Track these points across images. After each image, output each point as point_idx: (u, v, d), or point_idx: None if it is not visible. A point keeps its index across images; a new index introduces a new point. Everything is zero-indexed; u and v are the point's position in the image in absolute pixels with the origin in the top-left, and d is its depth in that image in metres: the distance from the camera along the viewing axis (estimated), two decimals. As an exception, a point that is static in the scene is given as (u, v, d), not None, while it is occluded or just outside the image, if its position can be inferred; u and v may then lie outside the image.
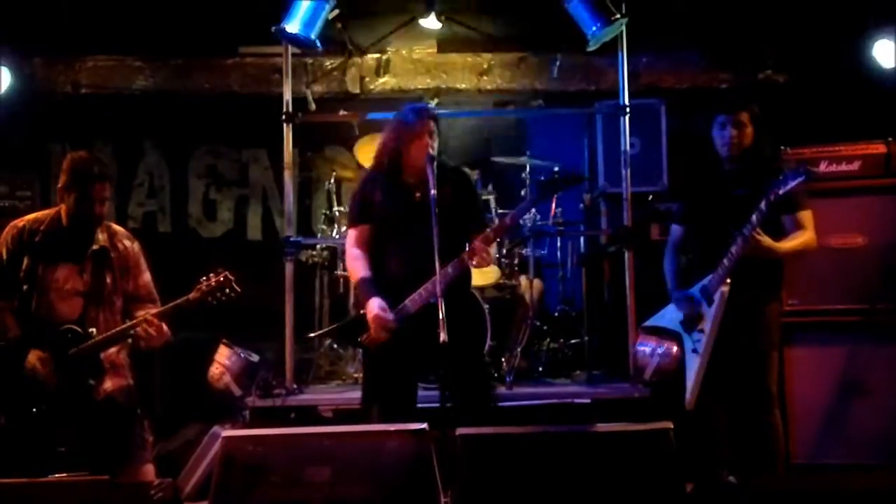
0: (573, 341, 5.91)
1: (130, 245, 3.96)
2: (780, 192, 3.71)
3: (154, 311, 3.76)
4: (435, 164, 3.68)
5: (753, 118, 4.09)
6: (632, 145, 5.42)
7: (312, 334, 5.49)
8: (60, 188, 3.80)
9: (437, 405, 3.36)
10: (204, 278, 3.73)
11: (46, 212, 3.91)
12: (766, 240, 3.83)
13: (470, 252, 3.63)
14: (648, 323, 4.50)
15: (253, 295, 5.98)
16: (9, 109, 6.02)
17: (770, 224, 3.90)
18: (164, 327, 3.71)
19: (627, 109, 5.30)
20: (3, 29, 5.85)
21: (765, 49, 6.46)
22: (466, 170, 4.48)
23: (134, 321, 3.71)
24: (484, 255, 3.65)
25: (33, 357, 3.66)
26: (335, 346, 5.78)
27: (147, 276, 3.97)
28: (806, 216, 4.05)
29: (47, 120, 6.70)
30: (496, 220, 5.29)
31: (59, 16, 5.99)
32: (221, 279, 3.71)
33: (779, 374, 4.29)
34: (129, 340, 3.78)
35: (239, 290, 3.75)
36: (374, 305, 3.66)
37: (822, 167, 4.99)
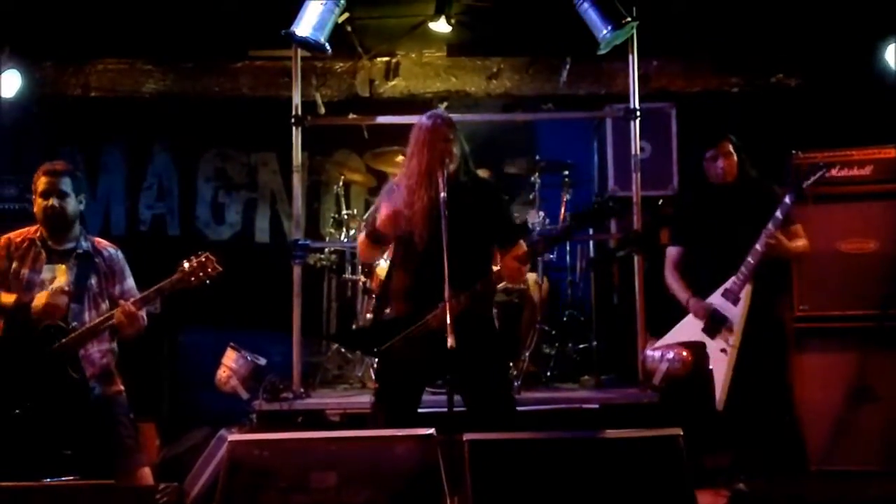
0: (582, 346, 5.88)
1: (115, 252, 4.10)
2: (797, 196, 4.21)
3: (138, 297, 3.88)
4: (446, 168, 3.66)
5: (735, 145, 4.48)
6: (642, 149, 5.38)
7: (328, 338, 5.49)
8: (32, 197, 3.99)
9: (444, 410, 3.33)
10: (185, 260, 3.84)
11: (32, 227, 4.04)
12: (784, 241, 4.28)
13: (498, 273, 3.72)
14: (667, 341, 4.54)
15: (260, 298, 6.10)
16: (19, 112, 6.05)
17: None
18: (140, 315, 3.83)
19: (638, 113, 5.27)
20: (13, 33, 5.87)
21: (776, 53, 6.42)
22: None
23: (113, 311, 3.81)
24: (516, 274, 3.74)
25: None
26: (343, 349, 5.77)
27: (132, 282, 4.09)
28: (797, 228, 4.44)
29: (58, 123, 6.73)
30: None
31: (70, 20, 6.00)
32: (203, 259, 3.84)
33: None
34: (110, 334, 3.92)
35: (220, 268, 3.86)
36: None
37: (834, 172, 4.97)
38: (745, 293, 4.25)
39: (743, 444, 4.40)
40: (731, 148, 4.45)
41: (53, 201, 3.91)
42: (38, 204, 3.94)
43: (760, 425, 4.33)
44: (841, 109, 5.91)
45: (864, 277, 4.91)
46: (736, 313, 4.26)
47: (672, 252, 4.66)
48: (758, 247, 4.20)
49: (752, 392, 4.28)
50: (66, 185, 3.96)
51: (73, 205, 3.97)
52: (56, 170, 3.98)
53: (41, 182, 3.94)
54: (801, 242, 4.43)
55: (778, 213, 4.19)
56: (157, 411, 5.43)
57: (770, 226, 4.18)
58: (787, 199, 4.19)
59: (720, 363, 4.28)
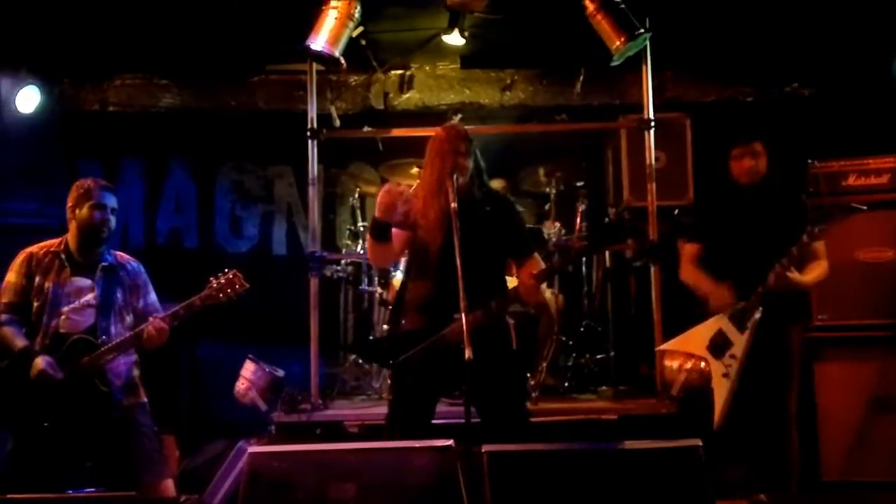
0: (599, 356, 5.87)
1: (137, 266, 4.15)
2: (817, 232, 4.06)
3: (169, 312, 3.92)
4: (456, 179, 3.67)
5: (766, 146, 4.34)
6: (657, 159, 5.37)
7: (344, 349, 5.48)
8: (70, 207, 3.99)
9: (461, 421, 3.33)
10: (213, 277, 3.92)
11: (53, 240, 4.07)
12: (796, 276, 4.10)
13: (514, 290, 3.68)
14: (670, 346, 4.51)
15: (278, 310, 6.12)
16: (38, 128, 6.09)
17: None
18: (166, 327, 3.88)
19: (652, 123, 5.27)
20: (32, 49, 5.93)
21: (790, 63, 6.41)
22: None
23: (144, 325, 3.86)
24: (533, 292, 3.68)
25: (40, 362, 3.75)
26: (361, 361, 5.78)
27: (154, 296, 4.15)
28: (820, 246, 4.26)
29: (76, 138, 6.77)
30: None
31: (88, 37, 6.05)
32: (231, 276, 3.93)
33: (807, 390, 4.33)
34: (136, 350, 3.96)
35: (247, 285, 3.94)
36: None
37: (851, 181, 4.97)
38: (752, 322, 4.12)
39: (743, 461, 4.35)
40: (761, 148, 4.32)
41: (107, 215, 3.97)
42: (84, 215, 3.94)
43: (756, 445, 4.27)
44: (856, 119, 5.88)
45: (882, 286, 4.89)
46: (741, 341, 4.16)
47: (689, 248, 4.53)
48: (770, 280, 4.06)
49: (750, 414, 4.21)
50: (114, 202, 4.04)
51: (115, 221, 4.05)
52: (108, 186, 4.06)
53: (95, 195, 3.96)
54: (815, 273, 4.24)
55: (794, 250, 4.05)
56: (177, 423, 5.44)
57: (784, 260, 4.04)
58: (805, 238, 4.05)
59: (721, 387, 4.18)
